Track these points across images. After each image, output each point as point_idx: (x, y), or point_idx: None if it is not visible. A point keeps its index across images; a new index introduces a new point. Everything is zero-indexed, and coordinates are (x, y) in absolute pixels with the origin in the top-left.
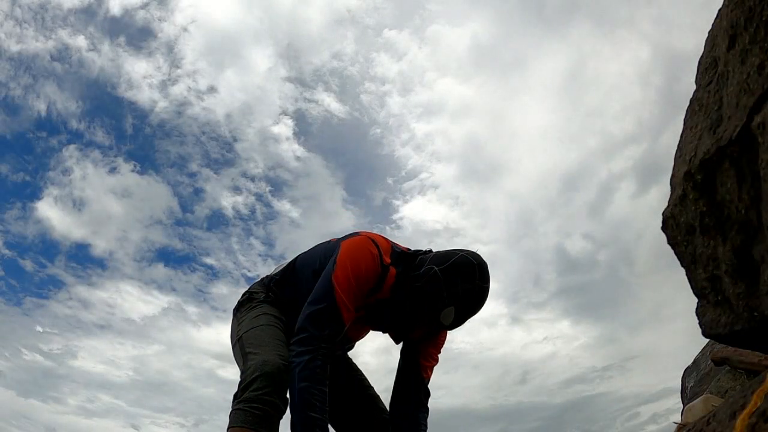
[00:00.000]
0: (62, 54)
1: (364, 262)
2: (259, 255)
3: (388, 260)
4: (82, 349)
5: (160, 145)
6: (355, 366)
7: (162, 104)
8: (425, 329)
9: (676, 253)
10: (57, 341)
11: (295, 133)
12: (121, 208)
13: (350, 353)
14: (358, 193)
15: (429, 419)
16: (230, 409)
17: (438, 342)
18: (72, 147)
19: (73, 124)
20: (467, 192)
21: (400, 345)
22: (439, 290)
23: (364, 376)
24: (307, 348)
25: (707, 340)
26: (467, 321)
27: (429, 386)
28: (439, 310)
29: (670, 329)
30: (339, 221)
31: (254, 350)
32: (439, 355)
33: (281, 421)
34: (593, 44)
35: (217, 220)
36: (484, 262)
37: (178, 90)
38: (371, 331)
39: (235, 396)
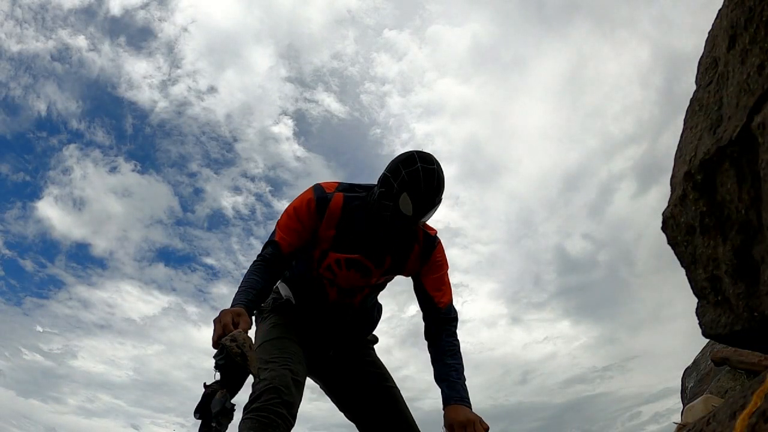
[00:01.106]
0: (62, 54)
1: (298, 199)
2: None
3: (330, 190)
4: (82, 349)
5: (161, 145)
6: (378, 363)
7: (162, 104)
8: (398, 234)
9: (676, 254)
10: (57, 341)
11: (295, 133)
12: (122, 207)
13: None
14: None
15: (429, 419)
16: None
17: (433, 265)
18: (72, 146)
19: (74, 124)
20: (467, 192)
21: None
22: (389, 185)
23: (387, 374)
24: (253, 261)
25: (707, 340)
26: (430, 208)
27: (454, 308)
28: (396, 202)
29: (670, 329)
30: None
31: (265, 365)
32: (446, 278)
33: None
34: (593, 44)
35: (217, 220)
36: (425, 152)
37: (178, 90)
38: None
39: (245, 407)
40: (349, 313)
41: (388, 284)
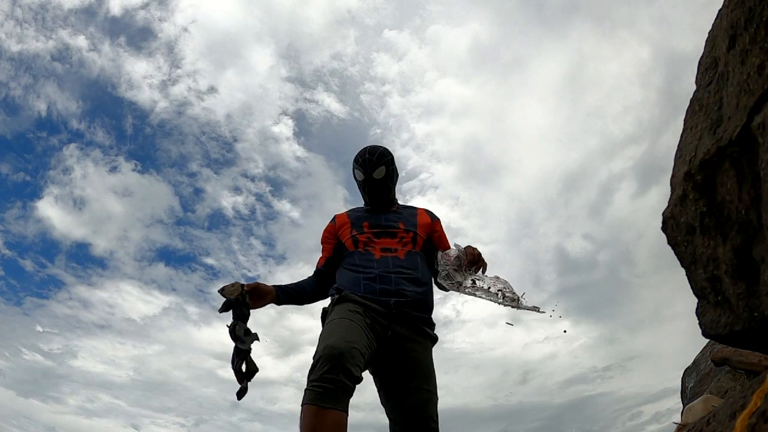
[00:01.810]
0: (63, 54)
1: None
2: (259, 255)
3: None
4: (82, 349)
5: (161, 145)
6: (426, 362)
7: (162, 104)
8: (377, 197)
9: (676, 254)
10: (57, 341)
11: (295, 133)
12: (122, 207)
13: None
14: (359, 193)
15: None
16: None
17: (435, 234)
18: (72, 146)
19: (74, 124)
20: (467, 192)
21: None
22: (353, 175)
23: (430, 377)
24: None
25: (707, 340)
26: (376, 166)
27: None
28: (356, 179)
29: (671, 329)
30: None
31: (323, 341)
32: (446, 239)
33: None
34: (593, 44)
35: (217, 220)
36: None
37: (178, 90)
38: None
39: (307, 378)
40: (397, 264)
41: None
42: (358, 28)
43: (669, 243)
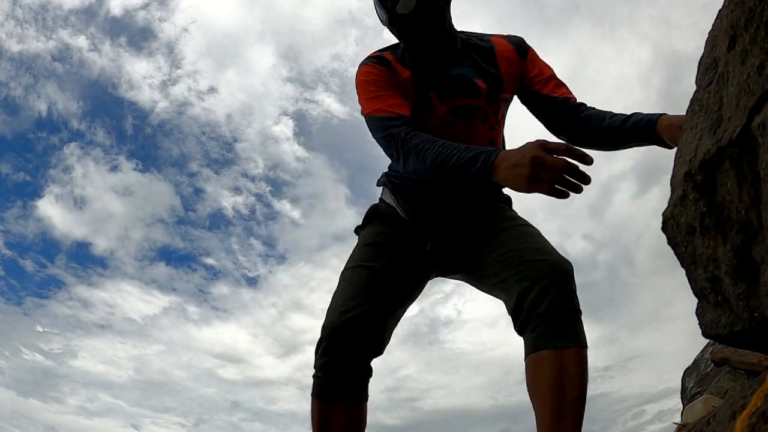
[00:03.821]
0: (63, 54)
1: (362, 74)
2: (259, 255)
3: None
4: (83, 349)
5: (161, 144)
6: (512, 216)
7: (162, 104)
8: (432, 42)
9: (676, 254)
10: (57, 341)
11: (295, 134)
12: (123, 206)
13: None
14: (360, 192)
15: (429, 419)
16: None
17: (538, 62)
18: (73, 145)
19: (74, 124)
20: None
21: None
22: (381, 6)
23: (523, 221)
24: (393, 147)
25: (707, 340)
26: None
27: None
28: (392, 14)
29: (671, 330)
30: (342, 219)
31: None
32: (551, 72)
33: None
34: (593, 45)
35: (217, 220)
36: None
37: (178, 90)
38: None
39: None
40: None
41: None
42: (359, 29)
43: (669, 243)
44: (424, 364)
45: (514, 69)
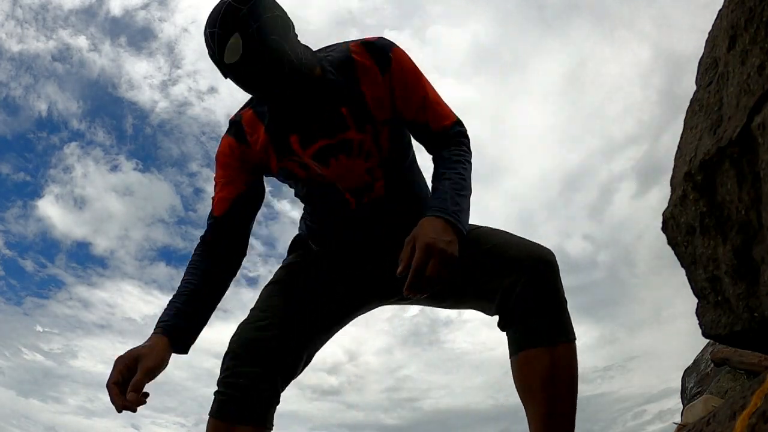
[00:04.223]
0: (63, 54)
1: (219, 149)
2: (259, 255)
3: (239, 113)
4: (83, 349)
5: (161, 144)
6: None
7: (162, 104)
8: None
9: (676, 254)
10: (57, 341)
11: None
12: (123, 206)
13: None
14: None
15: (429, 419)
16: None
17: (402, 78)
18: (73, 144)
19: (74, 124)
20: None
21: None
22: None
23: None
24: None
25: (707, 340)
26: (224, 40)
27: (459, 125)
28: (214, 62)
29: (671, 329)
30: None
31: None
32: (429, 92)
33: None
34: (593, 45)
35: None
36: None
37: (178, 90)
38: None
39: None
40: (384, 209)
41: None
42: (359, 29)
43: (669, 243)
44: (424, 364)
45: (378, 89)
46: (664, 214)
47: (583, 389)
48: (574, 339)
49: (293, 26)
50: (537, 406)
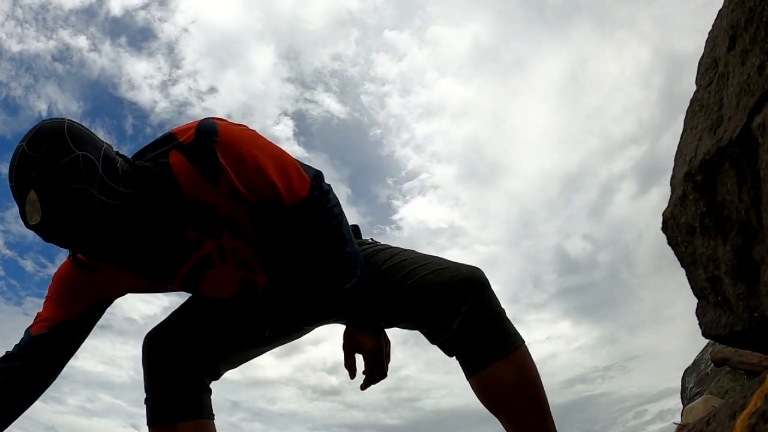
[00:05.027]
0: (63, 54)
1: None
2: None
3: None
4: (83, 349)
5: None
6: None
7: (163, 104)
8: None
9: (676, 254)
10: None
11: (295, 134)
12: None
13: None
14: (361, 191)
15: (429, 419)
16: None
17: (235, 166)
18: None
19: None
20: (467, 193)
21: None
22: None
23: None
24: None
25: (707, 340)
26: (21, 196)
27: (314, 191)
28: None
29: (671, 330)
30: None
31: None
32: (268, 166)
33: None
34: (594, 45)
35: None
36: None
37: (178, 90)
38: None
39: None
40: (265, 305)
41: None
42: (359, 29)
43: (669, 243)
44: (424, 364)
45: (212, 194)
46: (664, 214)
47: (583, 389)
48: (522, 343)
49: (103, 153)
50: (511, 419)
